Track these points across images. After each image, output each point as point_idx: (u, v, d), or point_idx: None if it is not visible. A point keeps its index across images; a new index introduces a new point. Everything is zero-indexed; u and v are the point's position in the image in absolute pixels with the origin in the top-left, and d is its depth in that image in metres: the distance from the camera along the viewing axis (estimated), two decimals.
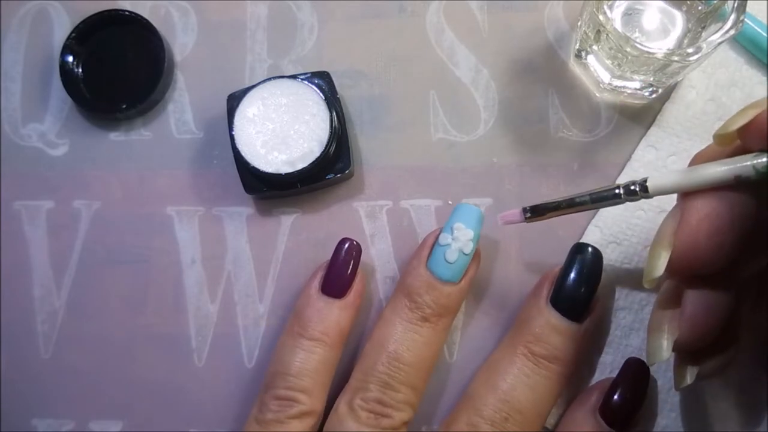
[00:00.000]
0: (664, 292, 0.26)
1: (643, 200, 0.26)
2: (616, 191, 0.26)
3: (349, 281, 0.32)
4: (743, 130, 0.22)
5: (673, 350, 0.25)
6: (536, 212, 0.29)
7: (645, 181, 0.24)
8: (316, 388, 0.30)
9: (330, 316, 0.31)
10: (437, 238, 0.31)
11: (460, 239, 0.30)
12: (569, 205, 0.27)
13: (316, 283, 0.32)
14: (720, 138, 0.23)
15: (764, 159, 0.21)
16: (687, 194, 0.23)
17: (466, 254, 0.30)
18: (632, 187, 0.25)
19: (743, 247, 0.22)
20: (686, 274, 0.24)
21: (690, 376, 0.25)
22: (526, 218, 0.29)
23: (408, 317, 0.30)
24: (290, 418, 0.29)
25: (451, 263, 0.30)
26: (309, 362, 0.30)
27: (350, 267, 0.32)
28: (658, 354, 0.25)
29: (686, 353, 0.26)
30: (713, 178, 0.22)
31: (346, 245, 0.32)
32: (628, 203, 0.26)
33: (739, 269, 0.24)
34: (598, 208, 0.26)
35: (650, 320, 0.26)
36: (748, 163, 0.21)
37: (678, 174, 0.23)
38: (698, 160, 0.24)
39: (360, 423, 0.29)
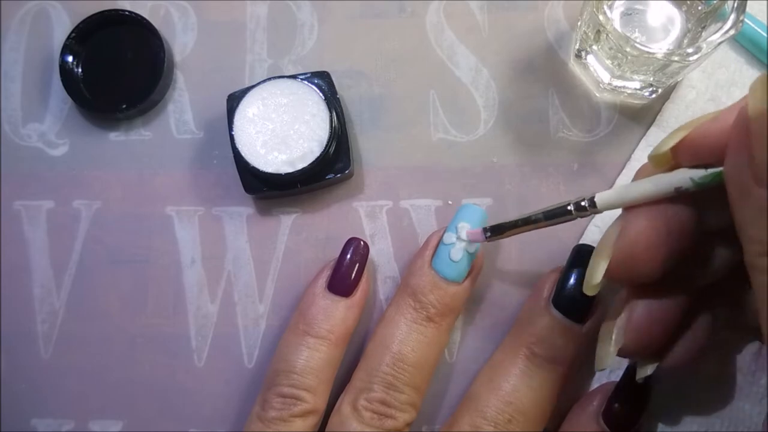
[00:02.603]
0: (616, 301, 0.27)
1: None
2: (568, 207, 0.27)
3: (356, 281, 0.32)
4: (676, 150, 0.23)
5: (619, 356, 0.26)
6: (496, 231, 0.29)
7: (593, 197, 0.26)
8: (320, 387, 0.30)
9: (336, 315, 0.31)
10: (441, 237, 0.31)
11: (465, 238, 0.30)
12: (525, 223, 0.28)
13: (322, 282, 0.32)
14: (655, 159, 0.24)
15: (701, 170, 0.22)
16: (630, 207, 0.24)
17: (470, 253, 0.30)
18: (582, 203, 0.26)
19: (684, 259, 0.24)
20: (625, 282, 0.26)
21: (650, 368, 0.27)
22: (486, 237, 0.30)
23: (412, 317, 0.30)
24: (294, 417, 0.29)
25: (455, 262, 0.30)
26: (313, 360, 0.30)
27: (357, 267, 0.32)
28: (603, 361, 0.26)
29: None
30: (655, 190, 0.23)
31: (354, 245, 0.32)
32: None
33: (691, 278, 0.25)
34: (553, 224, 0.27)
35: (601, 328, 0.27)
36: (686, 175, 0.22)
37: (624, 188, 0.25)
38: (641, 174, 0.25)
39: (363, 423, 0.29)
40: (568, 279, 0.30)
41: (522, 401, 0.29)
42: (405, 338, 0.30)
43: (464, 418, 0.29)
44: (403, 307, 0.31)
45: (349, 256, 0.32)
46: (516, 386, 0.29)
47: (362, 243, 0.32)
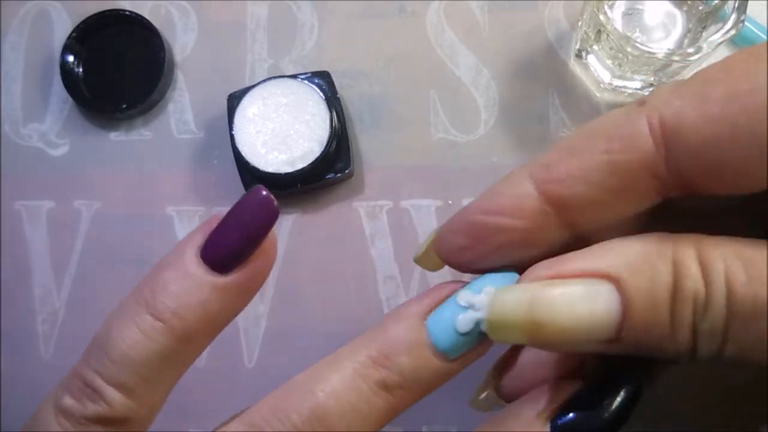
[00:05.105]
0: None
1: None
2: None
3: (236, 254, 0.20)
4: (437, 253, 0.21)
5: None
6: None
7: None
8: (143, 388, 0.20)
9: (193, 294, 0.20)
10: (454, 293, 0.21)
11: (485, 307, 0.20)
12: None
13: (198, 239, 0.20)
14: (420, 262, 0.22)
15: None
16: None
17: (481, 331, 0.20)
18: None
19: None
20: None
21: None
22: None
23: (366, 373, 0.20)
24: (87, 420, 0.19)
25: (459, 334, 0.20)
26: (141, 350, 0.19)
27: (245, 234, 0.20)
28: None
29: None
30: None
31: (250, 199, 0.19)
32: None
33: None
34: None
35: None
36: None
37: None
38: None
39: None
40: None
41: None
42: (342, 395, 0.20)
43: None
44: (362, 354, 0.20)
45: (236, 214, 0.20)
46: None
47: (265, 200, 0.19)
